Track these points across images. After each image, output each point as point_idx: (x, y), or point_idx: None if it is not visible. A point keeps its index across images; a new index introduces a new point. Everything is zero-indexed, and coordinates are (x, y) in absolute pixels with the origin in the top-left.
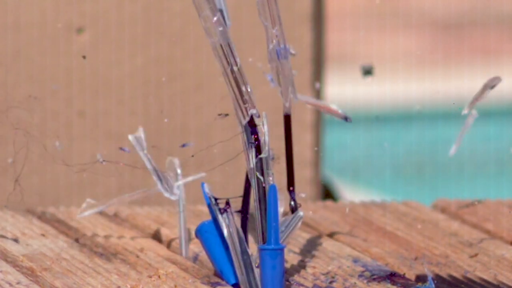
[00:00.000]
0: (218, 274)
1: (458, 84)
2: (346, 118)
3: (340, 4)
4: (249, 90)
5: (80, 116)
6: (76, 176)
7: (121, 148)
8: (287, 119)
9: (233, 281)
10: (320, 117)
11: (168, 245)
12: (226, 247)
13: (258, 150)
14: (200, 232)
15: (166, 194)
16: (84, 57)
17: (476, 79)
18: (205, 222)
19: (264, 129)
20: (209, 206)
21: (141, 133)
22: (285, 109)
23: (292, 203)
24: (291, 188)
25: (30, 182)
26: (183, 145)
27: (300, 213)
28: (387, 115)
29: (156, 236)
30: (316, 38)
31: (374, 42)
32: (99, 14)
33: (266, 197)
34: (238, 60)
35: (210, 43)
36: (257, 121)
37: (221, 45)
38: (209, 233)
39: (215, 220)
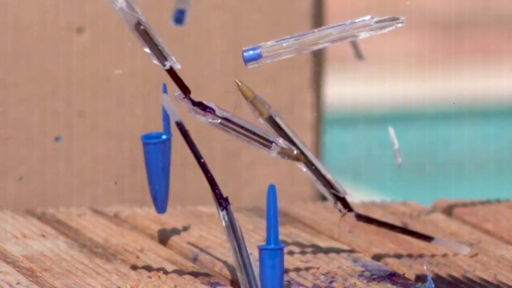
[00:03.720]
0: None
1: (458, 84)
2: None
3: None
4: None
5: (80, 116)
6: (76, 176)
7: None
8: None
9: (160, 212)
10: (320, 117)
11: (168, 246)
12: (163, 176)
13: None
14: (144, 141)
15: None
16: None
17: (476, 79)
18: (152, 134)
19: None
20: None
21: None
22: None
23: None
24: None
25: (30, 182)
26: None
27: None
28: (387, 115)
29: (156, 237)
30: None
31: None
32: (99, 14)
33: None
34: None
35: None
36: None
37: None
38: (152, 151)
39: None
